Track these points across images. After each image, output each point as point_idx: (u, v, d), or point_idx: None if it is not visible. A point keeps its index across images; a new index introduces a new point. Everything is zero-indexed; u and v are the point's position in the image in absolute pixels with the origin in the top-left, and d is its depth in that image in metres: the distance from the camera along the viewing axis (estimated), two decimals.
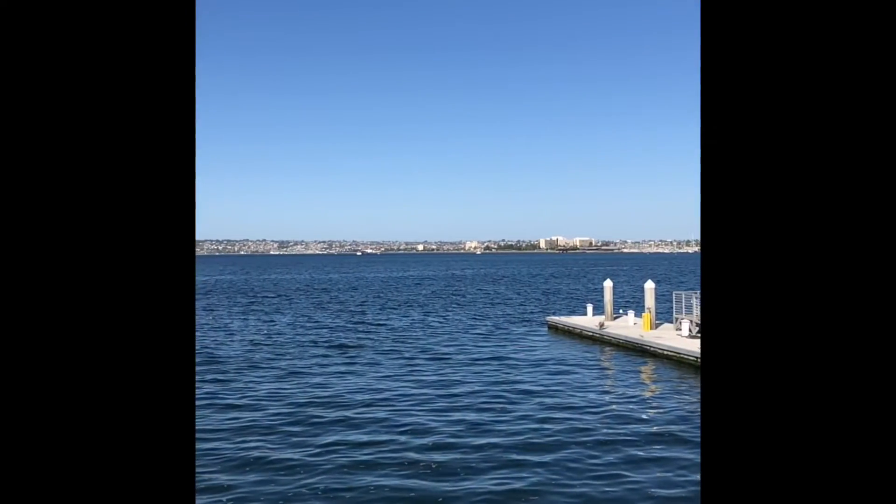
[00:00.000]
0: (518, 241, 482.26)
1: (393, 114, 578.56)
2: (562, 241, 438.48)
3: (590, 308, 28.78)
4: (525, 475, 9.85)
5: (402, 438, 11.71)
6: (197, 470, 9.83)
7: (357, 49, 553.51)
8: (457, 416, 13.29)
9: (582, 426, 12.52)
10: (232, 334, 27.26)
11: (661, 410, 13.88)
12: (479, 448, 11.10)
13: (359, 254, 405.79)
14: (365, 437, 11.78)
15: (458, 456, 10.67)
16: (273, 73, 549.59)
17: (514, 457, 10.63)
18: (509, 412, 13.60)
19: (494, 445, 11.24)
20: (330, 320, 32.95)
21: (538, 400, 14.74)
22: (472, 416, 13.19)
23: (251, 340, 25.25)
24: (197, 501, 8.75)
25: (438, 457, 10.62)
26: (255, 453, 10.87)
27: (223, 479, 9.68)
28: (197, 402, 14.21)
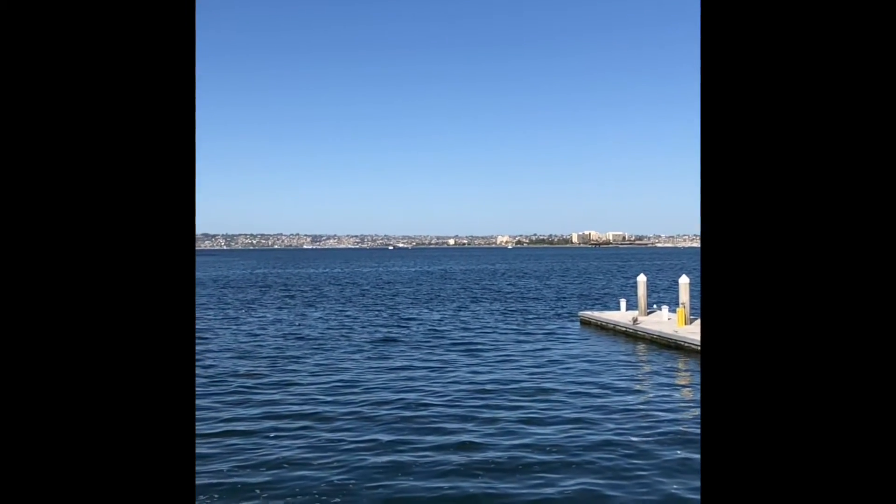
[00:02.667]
0: (550, 236, 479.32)
1: (423, 108, 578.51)
2: (594, 235, 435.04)
3: (623, 303, 28.48)
4: (556, 477, 9.75)
5: (430, 438, 11.68)
6: (227, 467, 9.95)
7: (386, 44, 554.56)
8: (487, 413, 13.23)
9: (615, 426, 12.37)
10: (266, 327, 27.57)
11: (696, 412, 13.63)
12: (511, 448, 11.02)
13: (391, 248, 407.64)
14: (392, 437, 11.78)
15: (488, 456, 10.61)
16: (306, 68, 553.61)
17: (545, 458, 10.54)
18: (541, 410, 13.49)
19: (526, 446, 11.16)
20: (361, 314, 33.13)
21: (570, 397, 14.61)
22: (503, 414, 13.12)
23: (285, 334, 25.50)
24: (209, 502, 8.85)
25: (466, 457, 10.57)
26: (285, 453, 10.94)
27: (242, 478, 9.77)
28: (229, 397, 14.41)
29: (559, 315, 32.20)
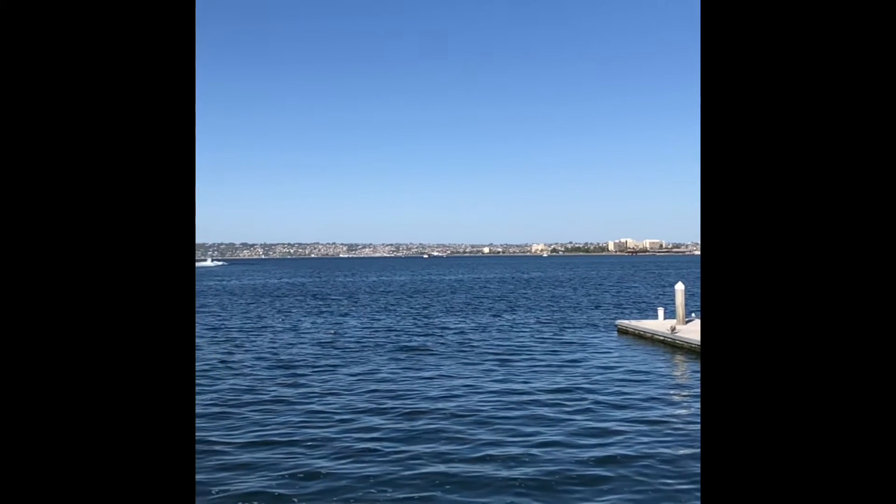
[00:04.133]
0: (586, 244, 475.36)
1: (458, 117, 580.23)
2: (631, 243, 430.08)
3: (661, 311, 28.02)
4: (594, 490, 9.56)
5: (466, 449, 11.57)
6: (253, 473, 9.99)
7: (420, 53, 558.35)
8: (525, 425, 13.08)
9: (652, 439, 12.11)
10: (301, 335, 27.78)
11: None
12: (551, 462, 10.86)
13: (425, 256, 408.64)
14: (428, 448, 11.70)
15: (527, 471, 10.47)
16: (343, 79, 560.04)
17: (585, 472, 10.35)
18: (580, 421, 13.29)
19: (566, 459, 10.98)
20: (396, 322, 33.18)
21: (608, 409, 14.36)
22: (541, 426, 12.95)
23: (320, 342, 25.66)
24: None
25: (506, 470, 10.43)
26: (321, 462, 10.94)
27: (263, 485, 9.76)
28: (266, 406, 14.50)
29: (595, 324, 31.82)
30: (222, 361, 21.00)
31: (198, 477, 9.82)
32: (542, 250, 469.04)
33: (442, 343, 25.28)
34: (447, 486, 9.51)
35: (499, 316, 36.70)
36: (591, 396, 15.45)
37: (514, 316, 36.58)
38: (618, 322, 29.36)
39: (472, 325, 32.09)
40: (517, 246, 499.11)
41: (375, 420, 13.28)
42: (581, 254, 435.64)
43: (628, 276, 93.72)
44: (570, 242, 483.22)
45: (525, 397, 15.36)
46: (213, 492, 9.29)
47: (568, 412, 13.91)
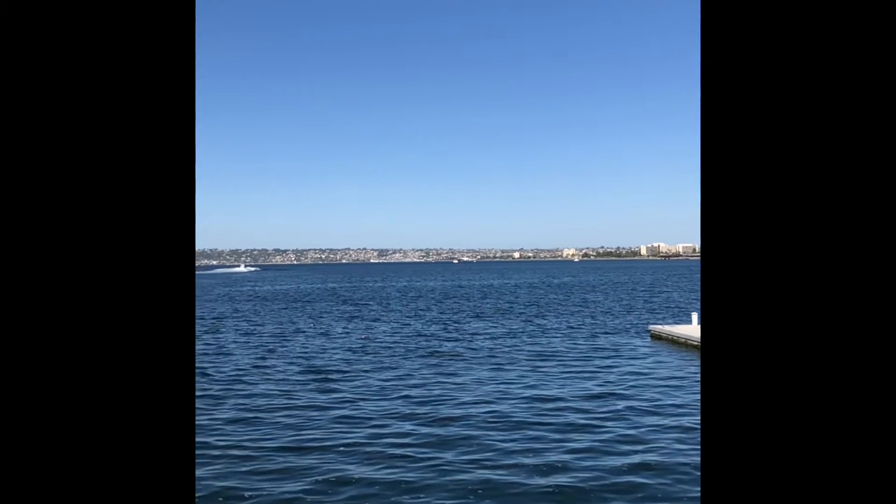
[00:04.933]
0: (618, 248, 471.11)
1: (485, 121, 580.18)
2: (664, 247, 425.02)
3: (695, 316, 27.57)
4: (626, 498, 9.41)
5: (500, 457, 11.48)
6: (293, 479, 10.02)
7: (437, 60, 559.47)
8: (558, 433, 12.95)
9: (689, 446, 11.89)
10: (333, 340, 27.94)
11: None
12: (587, 469, 10.73)
13: (455, 262, 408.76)
14: (461, 455, 11.65)
15: (561, 480, 10.35)
16: (373, 87, 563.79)
17: (618, 479, 10.20)
18: (611, 429, 13.11)
19: (598, 467, 10.84)
20: (427, 328, 33.20)
21: (643, 416, 14.15)
22: (576, 434, 12.81)
23: (352, 347, 25.77)
24: None
25: (542, 478, 10.33)
26: (354, 468, 10.96)
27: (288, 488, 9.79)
28: (299, 411, 14.58)
29: (628, 329, 31.46)
30: (255, 367, 21.20)
31: (232, 482, 9.90)
32: (573, 255, 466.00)
33: (473, 348, 25.20)
34: (479, 492, 9.44)
35: (529, 321, 36.50)
36: (624, 402, 15.24)
37: (544, 321, 36.33)
38: (651, 327, 29.00)
39: (503, 330, 31.95)
40: (548, 250, 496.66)
41: (407, 426, 13.26)
42: (613, 258, 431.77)
43: (661, 280, 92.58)
44: (602, 247, 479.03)
45: (557, 403, 15.21)
46: (245, 496, 9.35)
47: (601, 418, 13.73)
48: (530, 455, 11.19)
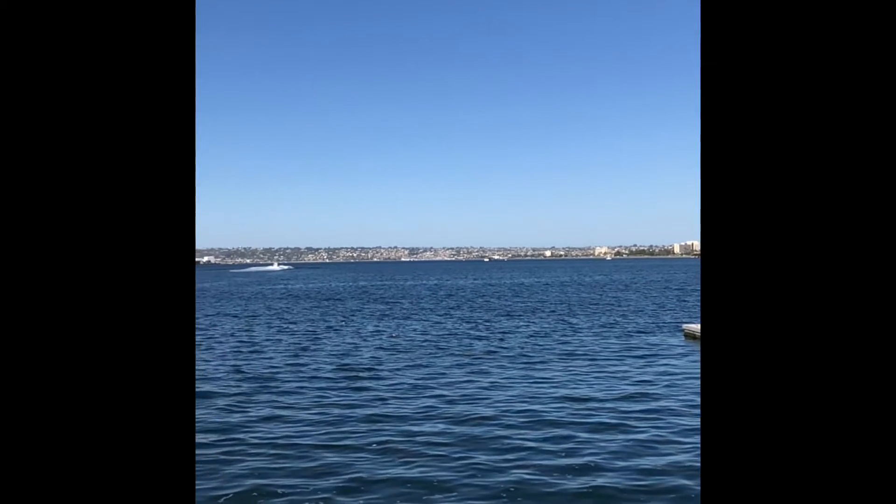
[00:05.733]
0: (650, 246, 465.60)
1: (513, 118, 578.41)
2: (697, 245, 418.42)
3: None
4: (663, 500, 9.26)
5: (536, 458, 11.39)
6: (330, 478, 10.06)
7: (461, 55, 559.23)
8: (595, 434, 12.81)
9: None
10: (364, 339, 28.08)
11: None
12: (617, 471, 10.59)
13: (486, 260, 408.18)
14: (494, 456, 11.58)
15: (600, 481, 10.23)
16: (400, 81, 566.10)
17: (654, 482, 10.04)
18: (646, 430, 12.93)
19: (632, 468, 10.69)
20: (458, 326, 33.17)
21: (679, 417, 13.93)
22: (613, 434, 12.66)
23: (383, 346, 25.86)
24: None
25: (581, 481, 10.23)
26: (386, 470, 10.96)
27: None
28: (332, 409, 14.66)
29: (661, 328, 31.05)
30: (288, 364, 21.40)
31: (265, 480, 9.98)
32: (605, 253, 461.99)
33: (504, 347, 25.10)
34: (511, 491, 9.37)
35: (562, 320, 36.24)
36: (658, 402, 15.01)
37: (576, 320, 36.04)
38: (685, 326, 28.52)
39: (535, 328, 31.78)
40: (580, 249, 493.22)
41: (439, 425, 13.24)
42: (645, 256, 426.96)
43: (694, 278, 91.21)
44: (635, 245, 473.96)
45: (590, 403, 15.05)
46: (278, 492, 9.41)
47: (635, 418, 13.55)
48: (563, 455, 11.08)
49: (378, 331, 31.79)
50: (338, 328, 33.34)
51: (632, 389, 16.69)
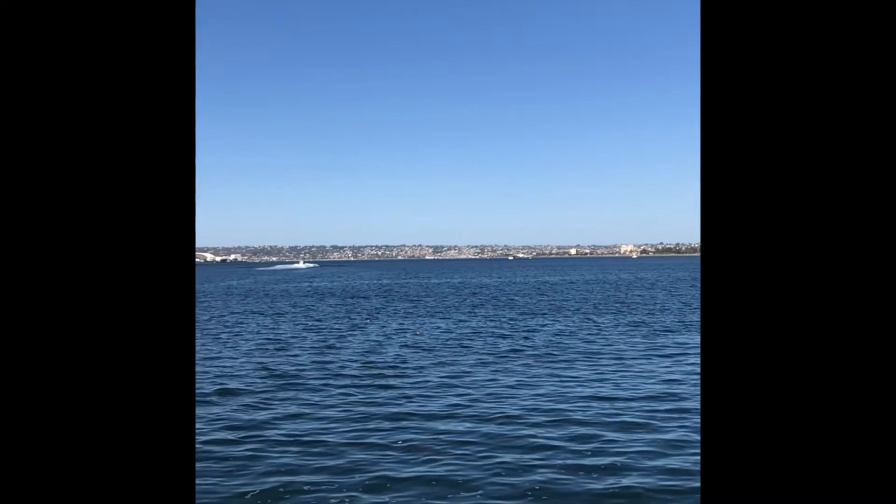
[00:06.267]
0: (677, 244, 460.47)
1: (539, 113, 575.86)
2: None
3: None
4: (690, 501, 9.14)
5: (552, 456, 11.32)
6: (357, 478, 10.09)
7: (488, 49, 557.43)
8: (624, 435, 12.70)
9: None
10: (389, 336, 28.15)
11: None
12: (643, 472, 10.48)
13: (510, 258, 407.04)
14: (522, 456, 11.53)
15: (627, 482, 10.14)
16: (427, 79, 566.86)
17: (682, 483, 9.91)
18: (673, 430, 12.77)
19: (659, 469, 10.57)
20: (483, 325, 33.11)
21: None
22: (633, 436, 12.53)
23: (407, 344, 25.90)
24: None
25: (608, 483, 10.14)
26: (413, 470, 10.96)
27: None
28: (357, 408, 14.71)
29: (688, 327, 30.68)
30: (314, 361, 21.53)
31: (290, 477, 10.04)
32: (631, 251, 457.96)
33: (529, 346, 24.99)
34: (537, 490, 9.32)
35: (587, 318, 35.99)
36: (686, 402, 14.82)
37: (602, 318, 35.76)
38: None
39: (560, 327, 31.59)
40: (605, 247, 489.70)
41: (464, 425, 13.21)
42: (672, 254, 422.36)
43: None
44: (661, 243, 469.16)
45: (617, 403, 14.90)
46: (304, 489, 9.46)
47: (662, 419, 13.39)
48: (589, 454, 10.99)
49: (402, 329, 31.86)
50: (362, 326, 33.47)
51: (659, 389, 16.50)
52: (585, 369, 19.57)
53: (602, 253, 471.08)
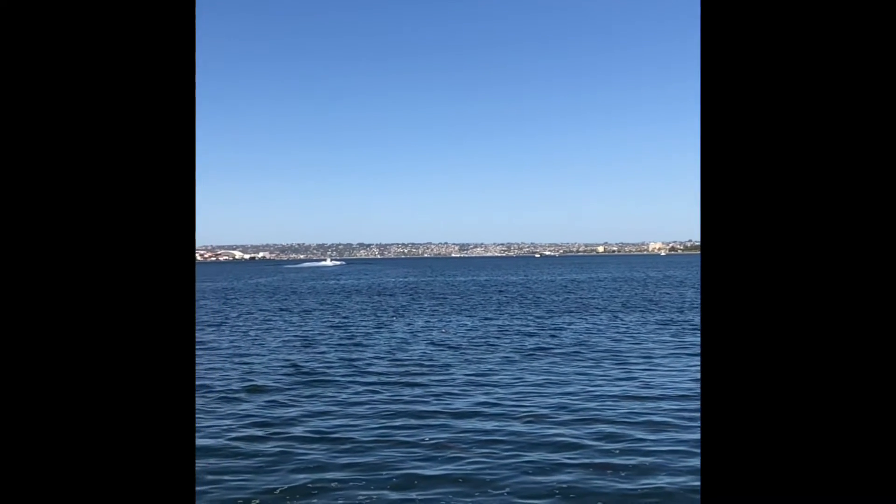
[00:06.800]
0: None
1: (566, 108, 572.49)
2: None
3: None
4: None
5: (579, 456, 11.24)
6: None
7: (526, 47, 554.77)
8: (654, 435, 12.57)
9: None
10: (416, 334, 28.21)
11: None
12: (673, 472, 10.35)
13: (537, 256, 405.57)
14: (544, 455, 11.48)
15: (651, 481, 10.03)
16: (447, 73, 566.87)
17: None
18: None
19: (688, 469, 10.45)
20: (509, 322, 33.02)
21: None
22: (662, 436, 12.39)
23: (433, 341, 25.93)
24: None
25: (642, 483, 10.05)
26: (440, 469, 10.97)
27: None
28: (384, 405, 14.76)
29: None
30: (341, 359, 21.66)
31: (318, 475, 10.10)
32: (659, 249, 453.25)
33: (557, 344, 24.86)
34: (564, 488, 9.26)
35: (615, 317, 35.69)
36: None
37: (630, 317, 35.44)
38: None
39: (588, 325, 31.38)
40: (633, 244, 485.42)
41: (491, 423, 13.18)
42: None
43: None
44: (690, 240, 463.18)
45: (646, 403, 14.75)
46: (332, 485, 9.52)
47: (691, 418, 13.22)
48: (618, 454, 10.89)
49: (429, 326, 31.90)
50: (389, 323, 33.59)
51: (688, 387, 16.29)
52: (613, 368, 19.40)
53: (630, 250, 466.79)
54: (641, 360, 20.63)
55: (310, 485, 9.62)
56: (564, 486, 9.54)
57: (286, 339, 27.68)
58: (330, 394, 16.09)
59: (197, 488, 9.44)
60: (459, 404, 14.73)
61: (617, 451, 11.09)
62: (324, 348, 24.49)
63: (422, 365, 20.29)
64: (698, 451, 11.11)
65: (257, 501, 9.08)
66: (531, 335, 27.82)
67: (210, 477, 9.85)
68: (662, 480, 9.70)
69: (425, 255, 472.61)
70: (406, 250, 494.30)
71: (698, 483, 9.57)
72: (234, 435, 12.19)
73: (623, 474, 9.99)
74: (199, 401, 15.32)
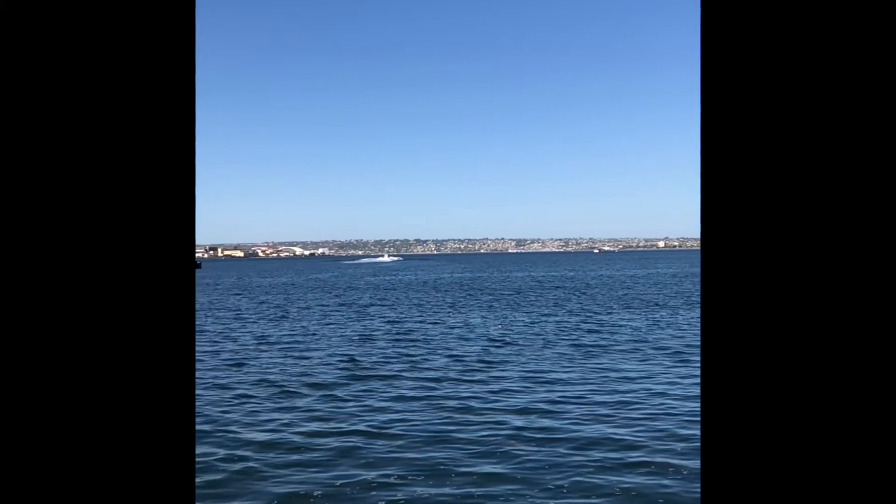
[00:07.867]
0: None
1: (623, 100, 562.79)
2: None
3: None
4: None
5: (638, 455, 11.04)
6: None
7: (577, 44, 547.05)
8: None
9: None
10: (472, 330, 28.23)
11: None
12: None
13: (596, 251, 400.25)
14: (604, 454, 11.32)
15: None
16: (494, 76, 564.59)
17: None
18: None
19: None
20: (567, 318, 32.70)
21: None
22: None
23: (490, 337, 25.90)
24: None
25: (680, 482, 9.82)
26: (496, 466, 10.95)
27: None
28: (444, 401, 14.81)
29: None
30: (399, 353, 21.87)
31: (379, 471, 10.21)
32: None
33: (615, 341, 24.49)
34: (624, 487, 9.11)
35: (676, 313, 34.92)
36: None
37: (692, 313, 34.60)
38: None
39: (647, 322, 30.80)
40: (695, 239, 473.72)
41: (546, 422, 13.08)
42: None
43: None
44: None
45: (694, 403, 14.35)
46: (391, 480, 9.61)
47: None
48: (678, 454, 10.66)
49: (485, 322, 31.88)
50: (446, 319, 33.72)
51: None
52: (675, 365, 18.98)
53: (692, 245, 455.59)
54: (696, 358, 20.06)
55: (370, 479, 9.74)
56: (625, 485, 9.38)
57: (345, 334, 28.11)
58: (388, 389, 16.26)
59: (260, 482, 9.68)
60: (517, 401, 14.66)
61: (678, 451, 10.84)
62: (382, 343, 24.77)
63: (478, 361, 20.29)
64: None
65: (319, 493, 9.24)
66: (590, 332, 27.48)
67: (272, 471, 10.07)
68: None
69: (481, 251, 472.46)
70: (462, 246, 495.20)
71: None
72: (297, 429, 12.44)
73: (685, 473, 9.76)
74: (259, 395, 15.72)
